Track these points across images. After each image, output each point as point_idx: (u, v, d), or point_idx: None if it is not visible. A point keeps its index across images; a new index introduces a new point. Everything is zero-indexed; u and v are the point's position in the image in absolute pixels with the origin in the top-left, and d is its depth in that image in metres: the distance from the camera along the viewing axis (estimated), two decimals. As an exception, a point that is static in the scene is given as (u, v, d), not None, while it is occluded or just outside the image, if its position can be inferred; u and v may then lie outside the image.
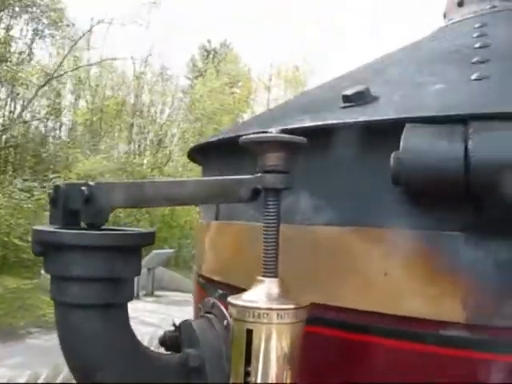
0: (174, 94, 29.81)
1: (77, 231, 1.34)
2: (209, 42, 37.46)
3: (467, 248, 1.25)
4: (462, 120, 1.20)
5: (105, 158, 22.12)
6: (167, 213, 22.79)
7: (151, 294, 16.18)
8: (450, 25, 2.35)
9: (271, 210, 1.24)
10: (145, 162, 26.80)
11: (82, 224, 1.44)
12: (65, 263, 1.33)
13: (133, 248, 1.40)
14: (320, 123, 1.39)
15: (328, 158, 1.45)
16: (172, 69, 30.90)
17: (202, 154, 2.26)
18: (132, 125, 26.69)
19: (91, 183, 1.41)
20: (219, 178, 1.41)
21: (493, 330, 1.24)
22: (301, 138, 1.22)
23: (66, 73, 23.96)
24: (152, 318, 11.58)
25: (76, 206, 1.42)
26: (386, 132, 1.27)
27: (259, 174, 1.25)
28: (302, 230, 1.51)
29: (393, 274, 1.32)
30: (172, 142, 27.45)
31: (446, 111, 1.25)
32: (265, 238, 1.26)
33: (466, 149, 1.13)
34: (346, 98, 1.45)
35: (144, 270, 15.15)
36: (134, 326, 1.48)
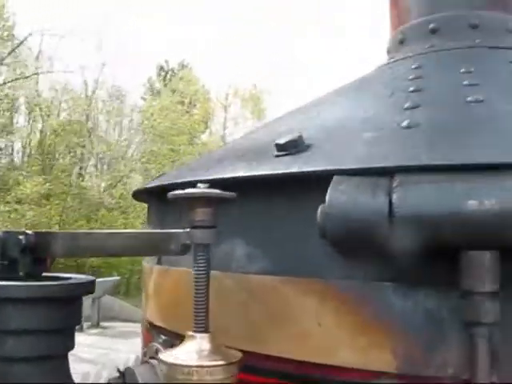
0: (125, 113, 29.56)
1: (12, 283, 1.35)
2: (166, 62, 37.54)
3: (396, 298, 1.30)
4: (389, 172, 1.25)
5: (48, 181, 21.64)
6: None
7: (97, 326, 15.53)
8: (390, 63, 2.44)
9: (201, 265, 1.27)
10: (96, 184, 26.35)
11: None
12: (1, 316, 1.33)
13: (72, 298, 1.42)
14: (250, 174, 1.43)
15: (261, 208, 1.49)
16: (128, 89, 30.59)
17: (146, 194, 2.28)
18: (83, 146, 26.28)
19: (29, 232, 1.43)
20: (151, 231, 1.44)
21: (424, 380, 1.29)
22: (229, 193, 1.26)
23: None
24: (91, 353, 10.67)
25: (14, 255, 1.43)
26: (316, 183, 1.32)
27: (188, 229, 1.28)
28: (238, 277, 1.54)
29: (326, 325, 1.36)
30: (123, 163, 27.05)
31: (373, 162, 1.31)
32: (195, 293, 1.28)
33: (390, 203, 1.19)
34: (279, 147, 1.50)
35: (88, 300, 14.69)
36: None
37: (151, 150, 25.94)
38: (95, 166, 27.75)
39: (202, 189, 1.24)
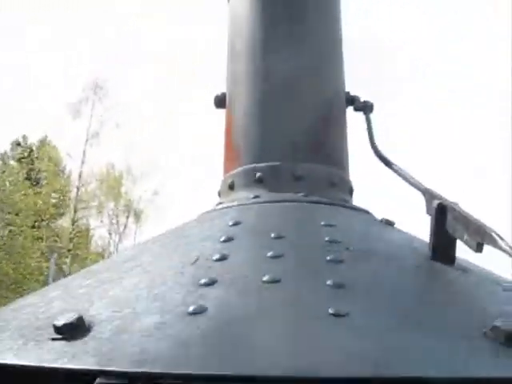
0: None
1: None
2: (24, 138, 36.03)
3: None
4: (154, 378, 1.32)
5: None
6: None
7: None
8: (214, 211, 2.56)
9: None
10: None
11: None
12: None
13: None
14: (12, 363, 1.45)
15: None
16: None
17: None
18: None
19: None
20: None
21: None
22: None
23: None
24: None
25: None
26: (81, 382, 1.35)
27: None
28: None
29: None
30: None
31: (142, 365, 1.36)
32: None
33: None
34: (56, 329, 1.52)
35: None
36: None
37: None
38: None
39: None
